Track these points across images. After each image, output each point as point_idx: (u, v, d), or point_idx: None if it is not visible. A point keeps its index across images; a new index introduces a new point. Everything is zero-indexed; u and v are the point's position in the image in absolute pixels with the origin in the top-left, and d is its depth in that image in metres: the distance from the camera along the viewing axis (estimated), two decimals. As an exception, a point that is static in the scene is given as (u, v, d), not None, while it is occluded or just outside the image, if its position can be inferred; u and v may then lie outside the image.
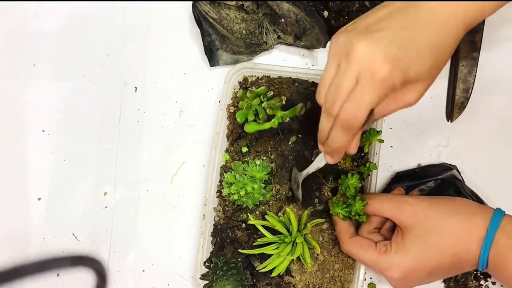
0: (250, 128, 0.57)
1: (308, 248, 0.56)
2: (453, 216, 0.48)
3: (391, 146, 0.64)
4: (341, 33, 0.41)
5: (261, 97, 0.57)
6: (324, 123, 0.45)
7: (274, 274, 0.56)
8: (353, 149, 0.46)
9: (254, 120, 0.56)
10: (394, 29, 0.40)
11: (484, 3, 0.41)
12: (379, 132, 0.56)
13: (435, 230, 0.48)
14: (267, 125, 0.56)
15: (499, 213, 0.47)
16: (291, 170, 0.60)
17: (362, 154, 0.60)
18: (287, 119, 0.56)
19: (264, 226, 0.58)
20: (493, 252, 0.45)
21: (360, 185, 0.55)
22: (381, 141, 0.57)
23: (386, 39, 0.39)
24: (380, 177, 0.63)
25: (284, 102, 0.55)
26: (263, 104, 0.56)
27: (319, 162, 0.54)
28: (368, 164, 0.57)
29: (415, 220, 0.49)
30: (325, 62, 0.44)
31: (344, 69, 0.41)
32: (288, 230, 0.57)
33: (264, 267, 0.56)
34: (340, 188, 0.56)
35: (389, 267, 0.49)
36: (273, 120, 0.56)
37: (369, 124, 0.47)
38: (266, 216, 0.57)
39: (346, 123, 0.42)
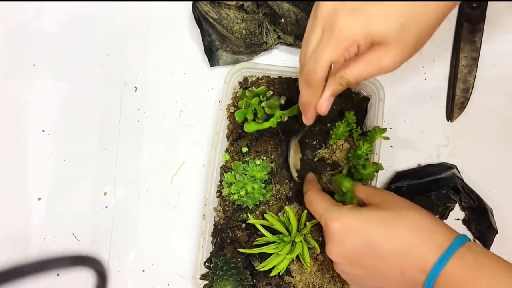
0: (249, 127, 0.57)
1: (308, 248, 0.56)
2: (419, 213, 0.45)
3: (391, 146, 0.64)
4: None
5: (261, 96, 0.57)
6: (299, 81, 0.46)
7: (273, 273, 0.56)
8: (321, 109, 0.45)
9: (254, 120, 0.56)
10: None
11: None
12: (384, 130, 0.55)
13: (396, 213, 0.45)
14: (266, 125, 0.56)
15: (465, 236, 0.44)
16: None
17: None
18: (286, 118, 0.56)
19: (264, 226, 0.58)
20: (455, 266, 0.41)
21: (347, 131, 0.57)
22: (387, 138, 0.56)
23: None
24: (380, 177, 0.63)
25: (283, 102, 0.55)
26: (262, 104, 0.56)
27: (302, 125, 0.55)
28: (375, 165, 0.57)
29: (382, 200, 0.48)
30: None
31: (312, 25, 0.42)
32: (287, 229, 0.57)
33: (263, 267, 0.56)
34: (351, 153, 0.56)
35: (333, 217, 0.47)
36: (271, 119, 0.56)
37: (350, 86, 0.45)
38: (265, 215, 0.57)
39: (307, 77, 0.43)
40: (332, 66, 0.42)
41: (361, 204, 0.52)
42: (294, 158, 0.59)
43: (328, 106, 0.45)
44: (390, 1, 0.38)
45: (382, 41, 0.39)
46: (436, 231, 0.44)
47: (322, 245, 0.58)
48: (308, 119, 0.48)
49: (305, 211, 0.57)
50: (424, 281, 0.42)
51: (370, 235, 0.45)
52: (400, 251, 0.43)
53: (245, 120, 0.57)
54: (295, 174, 0.59)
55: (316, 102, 0.45)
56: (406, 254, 0.43)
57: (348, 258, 0.46)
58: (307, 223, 0.56)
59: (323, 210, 0.49)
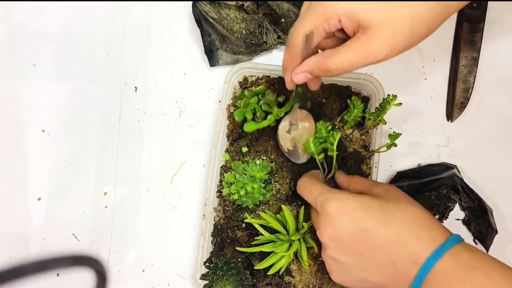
0: (249, 127, 0.57)
1: (308, 248, 0.56)
2: (419, 208, 0.45)
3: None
4: None
5: (259, 96, 0.57)
6: None
7: (270, 272, 0.56)
8: (295, 77, 0.46)
9: (253, 119, 0.56)
10: None
11: None
12: (395, 96, 0.53)
13: (395, 204, 0.45)
14: (265, 123, 0.56)
15: (459, 236, 0.44)
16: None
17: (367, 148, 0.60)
18: (282, 114, 0.56)
19: (263, 226, 0.58)
20: (450, 262, 0.40)
21: (359, 117, 0.57)
22: (400, 104, 0.54)
23: None
24: (380, 177, 0.62)
25: (282, 100, 0.55)
26: (260, 102, 0.56)
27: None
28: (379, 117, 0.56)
29: (383, 192, 0.47)
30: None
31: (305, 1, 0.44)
32: (286, 229, 0.57)
33: (261, 266, 0.56)
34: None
35: (331, 198, 0.45)
36: (269, 117, 0.56)
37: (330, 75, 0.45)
38: (261, 214, 0.57)
39: (288, 40, 0.45)
40: (313, 38, 0.43)
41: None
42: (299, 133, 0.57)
43: (302, 80, 0.46)
44: None
45: (368, 25, 0.39)
46: (432, 226, 0.43)
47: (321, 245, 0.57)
48: (287, 83, 0.49)
49: (302, 210, 0.57)
50: (416, 274, 0.41)
51: (366, 220, 0.43)
52: (394, 240, 0.42)
53: (245, 120, 0.57)
54: (288, 148, 0.57)
55: (292, 69, 0.46)
56: (400, 243, 0.42)
57: (340, 241, 0.45)
58: (304, 223, 0.56)
59: (319, 193, 0.48)
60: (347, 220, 0.44)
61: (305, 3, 0.44)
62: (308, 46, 0.44)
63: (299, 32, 0.43)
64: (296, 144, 0.57)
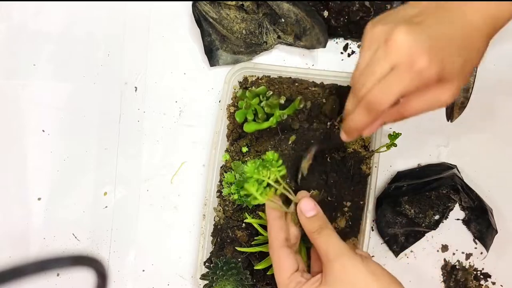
0: (249, 127, 0.57)
1: (307, 248, 0.56)
2: None
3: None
4: (378, 22, 0.41)
5: (261, 96, 0.57)
6: (349, 104, 0.45)
7: (270, 272, 0.56)
8: (367, 132, 0.46)
9: (254, 120, 0.56)
10: (431, 23, 0.40)
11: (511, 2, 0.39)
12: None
13: None
14: (266, 125, 0.56)
15: None
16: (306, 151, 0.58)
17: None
18: (285, 116, 0.56)
19: (263, 226, 0.58)
20: None
21: None
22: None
23: (425, 32, 0.39)
24: (380, 177, 0.63)
25: (283, 102, 0.55)
26: (262, 104, 0.56)
27: (337, 138, 0.51)
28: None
29: (341, 280, 0.43)
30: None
31: (381, 56, 0.41)
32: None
33: (261, 266, 0.56)
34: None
35: None
36: (271, 119, 0.56)
37: (398, 119, 0.45)
38: (261, 214, 0.57)
39: (370, 105, 0.42)
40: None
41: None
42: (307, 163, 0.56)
43: (374, 130, 0.46)
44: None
45: (446, 77, 0.40)
46: None
47: None
48: (349, 138, 0.47)
49: None
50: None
51: None
52: None
53: (245, 120, 0.57)
54: (299, 176, 0.57)
55: (367, 127, 0.45)
56: None
57: None
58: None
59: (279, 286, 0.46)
60: None
61: (379, 64, 0.41)
62: None
63: (390, 100, 0.40)
64: None
